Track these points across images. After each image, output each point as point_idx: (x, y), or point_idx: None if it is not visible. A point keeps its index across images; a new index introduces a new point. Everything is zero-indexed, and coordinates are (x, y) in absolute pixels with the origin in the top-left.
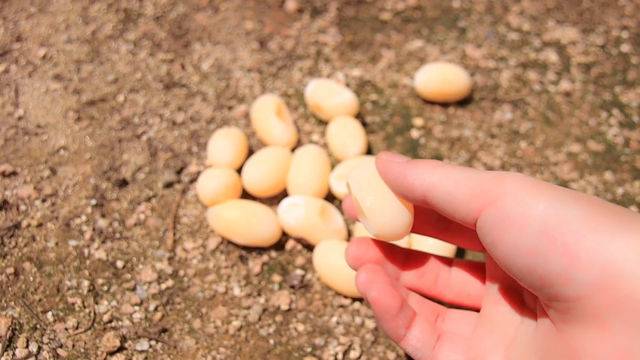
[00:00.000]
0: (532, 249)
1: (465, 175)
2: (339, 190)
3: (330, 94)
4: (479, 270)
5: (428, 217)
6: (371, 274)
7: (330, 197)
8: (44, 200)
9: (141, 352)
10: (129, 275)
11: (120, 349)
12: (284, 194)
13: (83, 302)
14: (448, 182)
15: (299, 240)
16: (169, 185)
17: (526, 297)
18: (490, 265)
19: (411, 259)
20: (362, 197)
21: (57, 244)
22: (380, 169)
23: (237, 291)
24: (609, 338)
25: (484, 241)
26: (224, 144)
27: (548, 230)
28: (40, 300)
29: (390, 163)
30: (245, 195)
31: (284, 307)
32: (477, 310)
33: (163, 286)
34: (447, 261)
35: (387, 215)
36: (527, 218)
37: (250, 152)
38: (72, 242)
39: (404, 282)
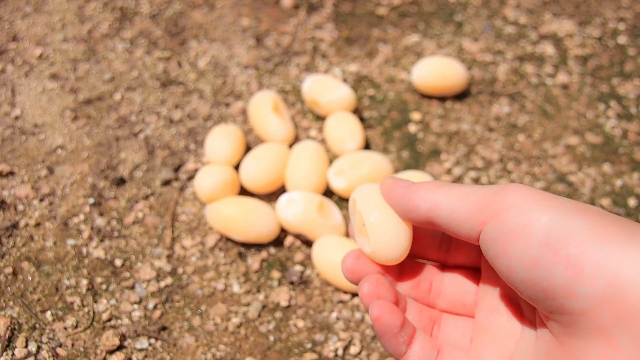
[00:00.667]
0: (536, 261)
1: (467, 192)
2: (337, 185)
3: (328, 89)
4: (472, 277)
5: (430, 240)
6: (374, 286)
7: (328, 193)
8: (41, 200)
9: (141, 350)
10: (127, 274)
11: (120, 347)
12: (282, 190)
13: (82, 301)
14: (451, 200)
15: (297, 236)
16: (166, 183)
17: (524, 308)
18: (486, 275)
19: (406, 268)
20: (367, 212)
21: (55, 243)
22: (385, 194)
23: (236, 288)
24: (616, 352)
25: (487, 254)
26: (221, 141)
27: (551, 242)
28: (39, 299)
29: (395, 187)
30: (243, 191)
31: (284, 303)
32: (472, 317)
33: (162, 284)
34: (439, 269)
35: (388, 235)
36: (530, 230)
37: (248, 148)
38: (71, 241)
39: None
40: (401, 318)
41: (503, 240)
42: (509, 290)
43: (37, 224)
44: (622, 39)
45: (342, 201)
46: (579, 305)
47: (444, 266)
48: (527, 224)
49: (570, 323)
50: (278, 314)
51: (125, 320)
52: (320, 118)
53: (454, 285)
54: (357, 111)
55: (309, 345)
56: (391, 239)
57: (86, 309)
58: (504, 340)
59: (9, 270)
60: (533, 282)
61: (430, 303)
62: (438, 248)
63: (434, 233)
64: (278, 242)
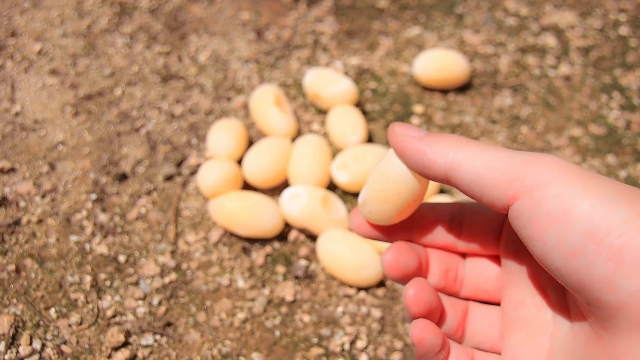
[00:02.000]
0: (575, 250)
1: (495, 156)
2: (340, 179)
3: (329, 82)
4: (493, 260)
5: (437, 223)
6: (420, 292)
7: (332, 187)
8: (43, 196)
9: (146, 346)
10: (131, 270)
11: (125, 344)
12: (285, 184)
13: (86, 298)
14: (476, 162)
15: (302, 230)
16: (169, 178)
17: (552, 297)
18: (507, 266)
19: (433, 257)
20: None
21: (58, 239)
22: (396, 145)
23: (241, 283)
24: None
25: (518, 232)
26: (223, 136)
27: (594, 233)
28: (42, 296)
29: (407, 137)
30: (247, 186)
31: (289, 298)
32: (497, 303)
33: (166, 280)
34: (461, 255)
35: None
36: (570, 216)
37: (250, 143)
38: (73, 238)
39: (431, 283)
40: (442, 337)
41: (538, 223)
42: (533, 280)
43: (40, 221)
44: (623, 30)
45: (345, 195)
46: (618, 299)
47: (465, 254)
48: (566, 209)
49: (608, 317)
50: (284, 309)
51: (130, 317)
52: (322, 112)
53: (474, 272)
54: (359, 104)
55: (315, 340)
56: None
57: (90, 306)
58: (537, 336)
59: (11, 267)
60: (570, 272)
61: (455, 292)
62: (447, 232)
63: (441, 214)
64: (282, 236)
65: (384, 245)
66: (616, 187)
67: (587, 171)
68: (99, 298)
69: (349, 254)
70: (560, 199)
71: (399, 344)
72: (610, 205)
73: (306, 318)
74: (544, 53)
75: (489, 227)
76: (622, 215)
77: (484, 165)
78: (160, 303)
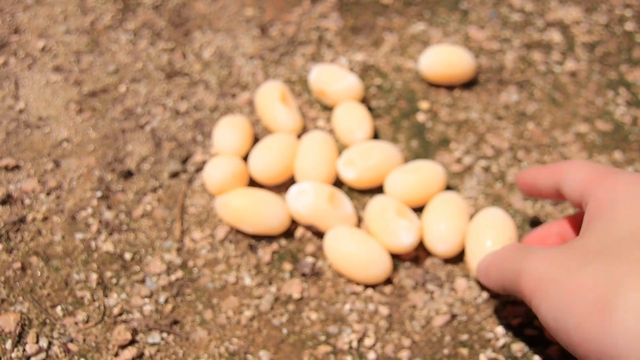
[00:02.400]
0: (566, 345)
1: (502, 263)
2: (346, 176)
3: (335, 78)
4: None
5: None
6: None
7: (338, 183)
8: (48, 194)
9: (153, 344)
10: (137, 267)
11: (132, 342)
12: (291, 181)
13: (92, 296)
14: (497, 275)
15: (308, 227)
16: (174, 175)
17: None
18: None
19: None
20: None
21: (63, 237)
22: (480, 278)
23: (247, 281)
24: None
25: None
26: (229, 132)
27: (558, 337)
28: (48, 294)
29: (478, 269)
30: (253, 183)
31: (296, 295)
32: None
33: (173, 277)
34: None
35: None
36: (543, 321)
37: (256, 139)
38: (79, 235)
39: None
40: None
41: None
42: None
43: (45, 218)
44: (629, 26)
45: (352, 192)
46: None
47: None
48: (538, 313)
49: None
50: (291, 307)
51: (137, 315)
52: (327, 108)
53: None
54: (364, 101)
55: (322, 338)
56: None
57: (97, 304)
58: None
59: (17, 265)
60: None
61: None
62: None
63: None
64: (289, 233)
65: (390, 243)
66: (566, 282)
67: (557, 263)
68: (105, 296)
69: (356, 251)
70: (533, 305)
71: (407, 342)
72: (562, 314)
73: (313, 316)
74: (549, 49)
75: None
76: (571, 323)
77: (501, 276)
78: (166, 301)
